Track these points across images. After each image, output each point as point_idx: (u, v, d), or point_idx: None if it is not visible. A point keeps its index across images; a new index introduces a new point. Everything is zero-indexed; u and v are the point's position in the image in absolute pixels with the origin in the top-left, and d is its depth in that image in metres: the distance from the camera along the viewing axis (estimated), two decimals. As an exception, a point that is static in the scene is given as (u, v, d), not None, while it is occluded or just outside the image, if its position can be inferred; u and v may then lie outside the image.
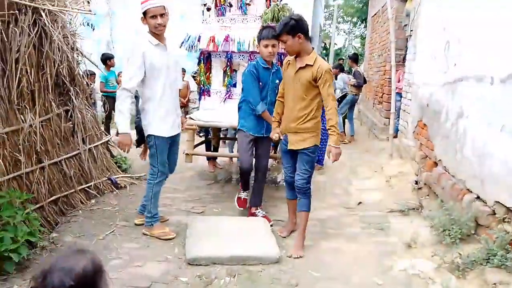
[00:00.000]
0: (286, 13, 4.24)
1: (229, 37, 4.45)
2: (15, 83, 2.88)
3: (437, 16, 4.75)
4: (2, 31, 2.66)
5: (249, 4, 4.49)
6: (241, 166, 3.79)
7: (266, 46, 3.55)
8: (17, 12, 2.81)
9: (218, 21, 4.59)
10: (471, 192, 3.44)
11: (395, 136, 6.50)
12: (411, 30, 6.02)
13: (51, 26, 3.11)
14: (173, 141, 3.46)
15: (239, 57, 4.59)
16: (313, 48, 3.17)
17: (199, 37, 4.56)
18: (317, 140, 3.24)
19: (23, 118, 3.14)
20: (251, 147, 3.78)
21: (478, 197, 3.32)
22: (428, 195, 4.37)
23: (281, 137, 3.43)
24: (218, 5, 4.62)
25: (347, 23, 31.66)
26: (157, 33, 3.15)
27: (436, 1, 4.85)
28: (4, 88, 2.84)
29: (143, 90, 3.22)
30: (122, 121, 3.09)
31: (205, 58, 4.73)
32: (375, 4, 10.69)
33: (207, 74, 4.77)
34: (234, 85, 4.68)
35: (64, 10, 3.12)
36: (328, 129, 3.08)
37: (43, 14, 2.93)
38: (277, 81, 3.69)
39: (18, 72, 2.90)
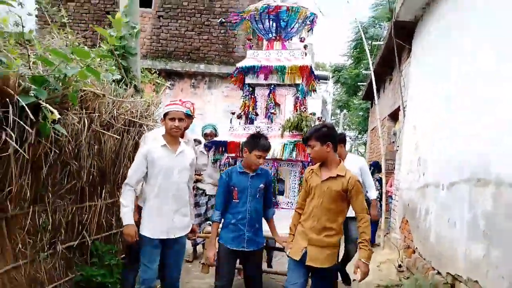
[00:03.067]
0: (310, 123, 4.15)
1: None
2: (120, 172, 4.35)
3: (412, 138, 6.36)
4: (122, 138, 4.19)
5: (274, 113, 4.51)
6: (216, 283, 3.35)
7: (259, 157, 3.27)
8: (130, 126, 4.36)
9: (244, 129, 4.53)
10: (434, 268, 4.66)
11: (388, 233, 7.75)
12: (398, 146, 7.64)
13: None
14: (170, 247, 3.25)
15: (263, 163, 4.57)
16: (340, 160, 3.07)
17: (225, 142, 4.43)
18: (336, 259, 3.08)
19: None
20: (232, 262, 3.35)
21: (438, 272, 4.54)
22: (408, 276, 5.52)
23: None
24: (246, 113, 4.67)
25: (353, 130, 34.29)
26: (173, 134, 3.23)
27: (411, 126, 6.51)
28: (114, 174, 4.31)
29: (145, 186, 3.26)
30: (126, 213, 3.10)
31: (230, 164, 4.60)
32: (373, 120, 12.62)
33: None
34: None
35: (155, 125, 4.71)
36: (360, 242, 2.89)
37: (145, 127, 4.51)
38: (261, 185, 3.36)
39: (122, 165, 4.39)
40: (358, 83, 15.87)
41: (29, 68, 2.59)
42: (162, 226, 3.18)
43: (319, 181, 2.98)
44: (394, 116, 8.78)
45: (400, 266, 5.81)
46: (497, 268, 3.17)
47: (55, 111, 2.47)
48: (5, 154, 2.50)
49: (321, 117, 4.99)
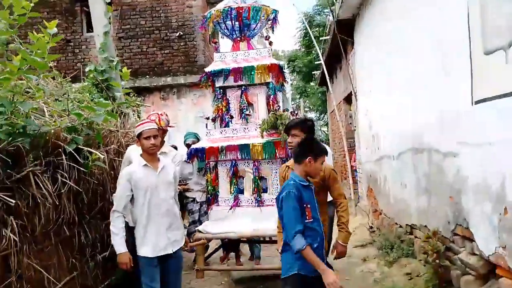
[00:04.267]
0: (285, 121, 4.15)
1: (233, 146, 4.36)
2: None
3: (366, 119, 7.46)
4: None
5: (249, 115, 4.53)
6: None
7: (322, 163, 2.77)
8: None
9: (221, 132, 4.56)
10: (397, 224, 5.77)
11: (358, 202, 8.89)
12: (355, 126, 8.75)
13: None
14: (168, 262, 3.26)
15: (244, 164, 4.49)
16: None
17: (204, 149, 4.47)
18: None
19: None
20: None
21: (400, 226, 5.64)
22: (379, 234, 6.63)
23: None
24: (221, 116, 4.67)
25: (314, 112, 35.73)
26: (150, 153, 3.21)
27: (364, 109, 7.60)
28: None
29: (133, 209, 3.25)
30: (117, 241, 3.10)
31: (212, 168, 4.71)
32: (330, 103, 13.78)
33: (215, 182, 4.66)
34: (242, 192, 4.54)
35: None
36: (338, 225, 2.99)
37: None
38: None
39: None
40: (312, 71, 16.98)
41: (68, 122, 3.37)
42: (158, 244, 3.19)
43: None
44: (348, 100, 9.90)
45: (371, 227, 6.92)
46: (436, 211, 4.26)
47: (97, 152, 3.27)
48: (62, 191, 3.28)
49: (295, 112, 5.12)
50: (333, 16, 8.10)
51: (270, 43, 4.81)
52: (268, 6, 4.70)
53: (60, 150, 3.23)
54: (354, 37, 8.05)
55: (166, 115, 4.15)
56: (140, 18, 11.13)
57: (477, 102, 3.18)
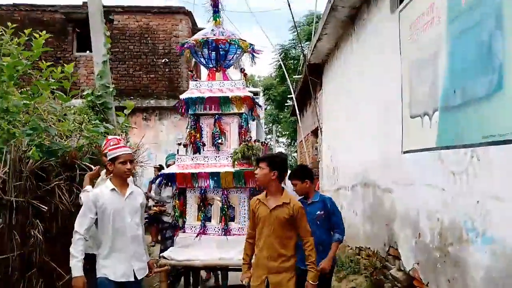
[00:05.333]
0: (257, 152, 4.28)
1: (203, 174, 4.39)
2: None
3: (328, 153, 8.48)
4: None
5: (221, 143, 4.57)
6: None
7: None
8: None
9: (192, 159, 4.56)
10: (349, 246, 6.71)
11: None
12: (319, 158, 9.77)
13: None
14: None
15: (213, 192, 4.49)
16: (283, 189, 3.21)
17: (174, 175, 4.47)
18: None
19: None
20: None
21: (350, 248, 6.58)
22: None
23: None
24: (193, 142, 4.67)
25: (285, 138, 37.09)
26: (124, 177, 3.21)
27: (326, 144, 8.63)
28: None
29: (97, 233, 3.20)
30: (74, 264, 3.00)
31: (179, 194, 4.64)
32: (299, 133, 14.87)
33: (181, 208, 4.60)
34: (209, 219, 4.52)
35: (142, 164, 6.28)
36: (307, 265, 3.06)
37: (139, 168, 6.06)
38: (318, 212, 3.55)
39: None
40: (285, 101, 18.17)
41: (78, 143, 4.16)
42: (120, 270, 3.13)
43: (267, 210, 3.08)
44: (315, 133, 10.94)
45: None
46: (376, 236, 5.22)
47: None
48: (76, 201, 4.03)
49: (266, 142, 5.23)
50: (305, 61, 9.19)
51: (245, 75, 4.90)
52: (245, 40, 4.79)
53: (75, 166, 4.00)
54: (323, 79, 9.15)
55: (123, 139, 3.92)
56: (129, 43, 11.95)
57: (405, 152, 4.18)
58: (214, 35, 4.69)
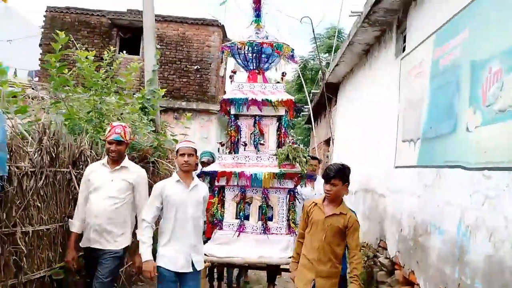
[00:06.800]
0: (300, 154, 4.44)
1: (244, 173, 4.42)
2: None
3: (337, 161, 9.73)
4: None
5: (262, 144, 4.67)
6: None
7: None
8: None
9: (233, 158, 4.64)
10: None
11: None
12: (329, 165, 11.05)
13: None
14: (186, 283, 3.33)
15: (252, 191, 4.54)
16: (342, 200, 3.30)
17: (216, 173, 4.52)
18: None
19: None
20: None
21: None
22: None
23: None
24: (233, 142, 4.75)
25: (298, 142, 38.33)
26: (184, 169, 3.38)
27: (337, 154, 9.90)
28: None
29: (162, 220, 3.36)
30: (144, 250, 3.19)
31: (219, 190, 4.69)
32: (312, 141, 16.14)
33: (220, 206, 4.64)
34: (247, 218, 4.56)
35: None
36: (351, 277, 3.11)
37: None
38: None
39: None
40: (301, 108, 19.44)
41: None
42: (180, 260, 3.27)
43: (322, 216, 3.14)
44: (327, 142, 12.22)
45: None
46: (371, 232, 6.49)
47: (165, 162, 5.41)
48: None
49: (319, 159, 5.52)
50: (323, 79, 10.48)
51: (282, 79, 4.94)
52: (288, 45, 4.85)
53: (147, 160, 5.35)
54: (338, 96, 10.43)
55: (129, 127, 3.96)
56: (166, 49, 13.35)
57: (396, 167, 5.46)
58: (259, 37, 4.79)
